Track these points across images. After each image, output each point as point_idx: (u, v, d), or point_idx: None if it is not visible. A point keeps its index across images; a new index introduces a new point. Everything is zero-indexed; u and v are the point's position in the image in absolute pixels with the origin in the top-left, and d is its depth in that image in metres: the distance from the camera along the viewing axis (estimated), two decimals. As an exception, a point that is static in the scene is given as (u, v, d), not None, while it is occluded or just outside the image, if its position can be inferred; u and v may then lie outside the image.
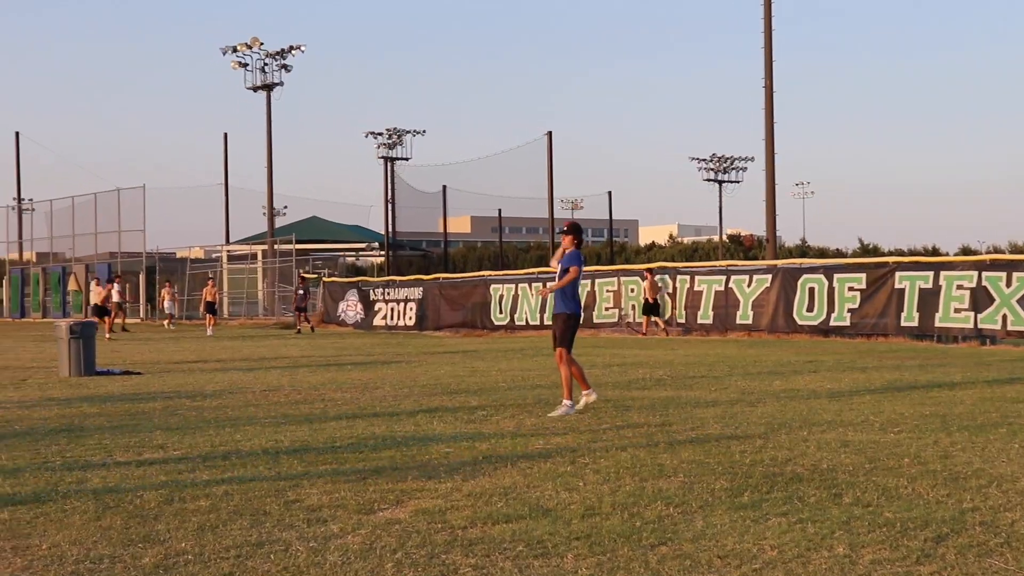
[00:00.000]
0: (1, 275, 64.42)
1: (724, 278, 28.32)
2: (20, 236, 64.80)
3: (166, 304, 42.50)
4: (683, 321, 29.05)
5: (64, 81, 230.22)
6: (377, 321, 38.51)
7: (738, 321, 27.61)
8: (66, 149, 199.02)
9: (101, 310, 35.53)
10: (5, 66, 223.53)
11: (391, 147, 69.96)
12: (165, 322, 42.55)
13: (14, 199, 66.92)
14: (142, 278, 52.52)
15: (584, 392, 11.75)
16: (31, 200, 66.62)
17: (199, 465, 8.49)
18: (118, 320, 36.61)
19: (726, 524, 6.14)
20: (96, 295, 36.96)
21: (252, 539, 5.98)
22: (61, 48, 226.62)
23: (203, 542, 5.92)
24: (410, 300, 37.51)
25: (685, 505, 6.66)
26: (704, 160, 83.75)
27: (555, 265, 12.09)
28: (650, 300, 29.20)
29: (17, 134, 66.31)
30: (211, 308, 37.02)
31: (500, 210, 49.06)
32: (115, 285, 37.37)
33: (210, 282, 38.89)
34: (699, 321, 28.59)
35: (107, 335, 31.75)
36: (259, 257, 53.76)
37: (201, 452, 9.17)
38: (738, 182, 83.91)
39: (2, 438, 10.28)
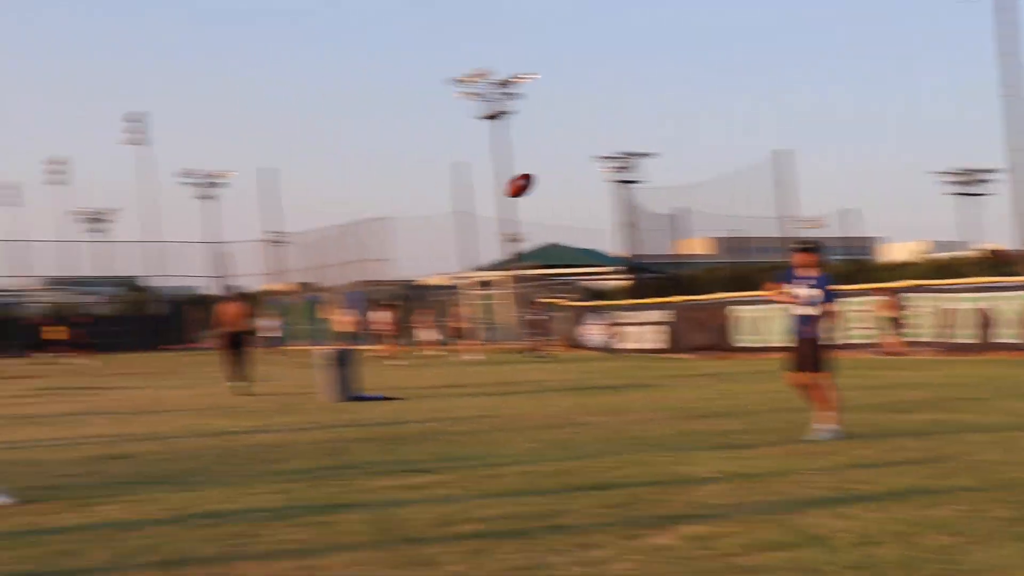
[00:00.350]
0: (263, 304, 67.91)
1: (980, 295, 27.05)
2: (278, 267, 68.13)
3: (422, 331, 43.36)
4: (933, 340, 27.88)
5: (313, 118, 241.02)
6: (621, 344, 38.57)
7: (999, 340, 26.28)
8: (318, 182, 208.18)
9: (352, 336, 37.16)
10: (265, 108, 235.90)
11: (624, 170, 70.00)
12: (421, 349, 43.45)
13: (273, 232, 70.45)
14: (387, 303, 54.22)
15: (829, 417, 11.30)
16: (287, 233, 69.95)
17: (463, 489, 8.67)
18: (385, 347, 38.20)
19: (1011, 556, 5.84)
20: (342, 323, 39.36)
21: (523, 563, 6.06)
22: (308, 85, 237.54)
23: (476, 565, 6.05)
24: (654, 323, 37.42)
25: (965, 535, 6.37)
26: (948, 173, 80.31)
27: (791, 288, 11.46)
28: (891, 318, 28.26)
29: (276, 171, 69.95)
30: (461, 334, 37.42)
31: (739, 231, 48.41)
32: (388, 313, 39.61)
33: (468, 308, 39.50)
34: (954, 340, 27.38)
35: (385, 360, 32.53)
36: (500, 284, 54.72)
37: (464, 476, 9.37)
38: (986, 195, 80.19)
39: (275, 461, 10.80)
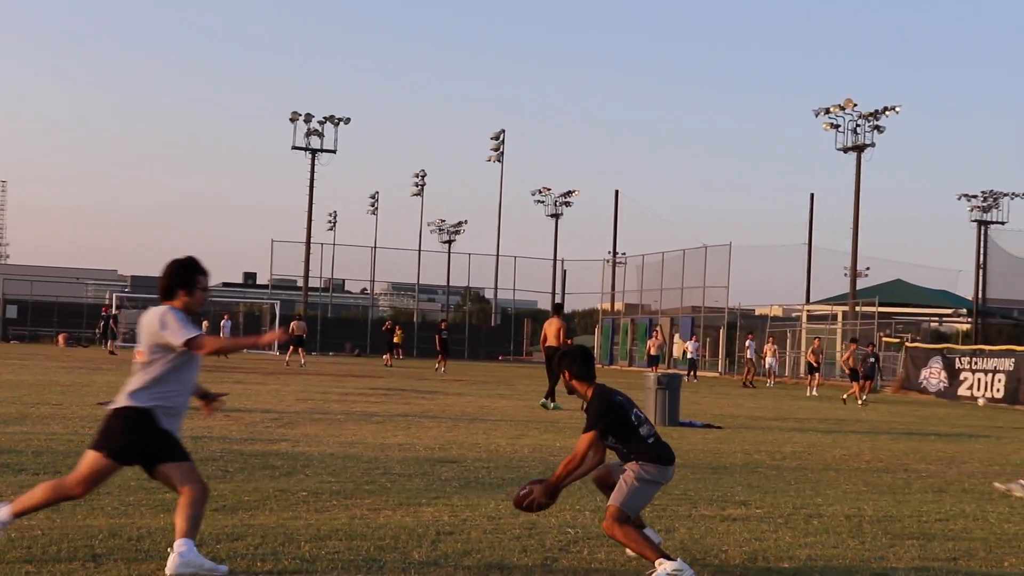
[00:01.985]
0: (594, 323, 68.92)
1: None
2: (612, 288, 68.96)
3: (767, 360, 42.59)
4: None
5: (660, 142, 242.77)
6: (962, 391, 36.51)
7: None
8: (659, 207, 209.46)
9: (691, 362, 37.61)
10: (610, 130, 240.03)
11: (986, 210, 66.34)
12: (764, 379, 42.65)
13: (609, 253, 71.44)
14: (722, 333, 53.82)
15: None
16: (624, 254, 70.70)
17: (781, 526, 8.47)
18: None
19: None
20: (653, 346, 40.78)
21: (838, 609, 5.85)
22: (650, 104, 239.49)
23: (788, 606, 5.89)
24: (999, 371, 35.18)
25: None
26: None
27: None
28: None
29: (616, 192, 70.93)
30: (812, 369, 36.07)
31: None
32: (752, 344, 40.75)
33: (816, 342, 38.38)
34: None
35: (851, 397, 31.77)
36: (839, 318, 53.09)
37: (782, 513, 9.15)
38: None
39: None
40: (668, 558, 6.30)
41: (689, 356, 44.15)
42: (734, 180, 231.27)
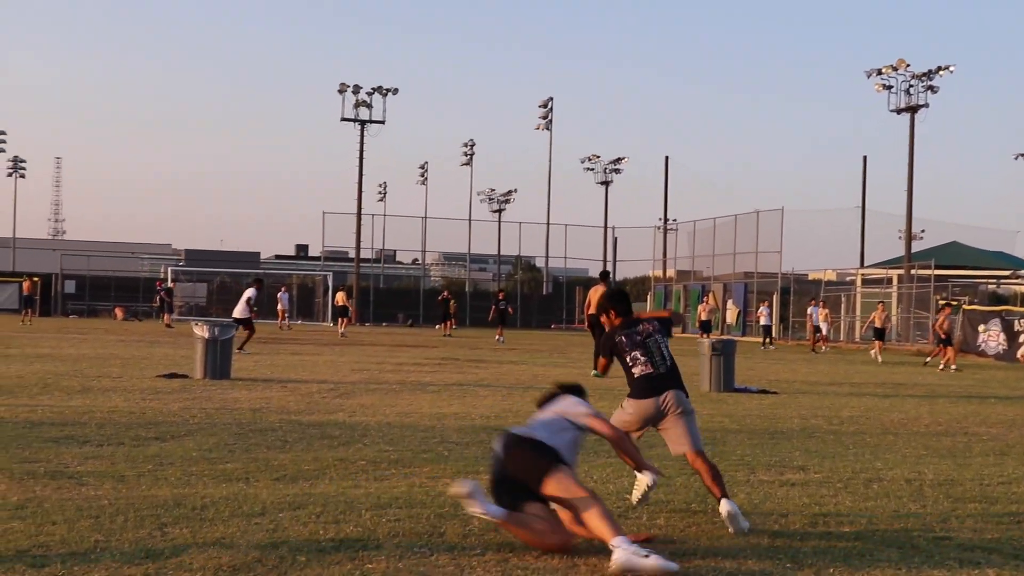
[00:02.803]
0: (646, 290, 68.75)
1: None
2: (664, 255, 68.69)
3: (821, 325, 41.88)
4: None
5: (709, 107, 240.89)
6: (1021, 353, 36.08)
7: None
8: (710, 172, 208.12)
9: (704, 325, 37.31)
10: (659, 96, 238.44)
11: (1041, 169, 65.27)
12: (818, 344, 42.07)
13: (660, 219, 71.14)
14: (776, 299, 53.45)
15: None
16: (675, 221, 70.36)
17: (840, 491, 8.42)
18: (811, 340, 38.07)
19: None
20: (704, 311, 40.50)
21: (902, 572, 5.83)
22: (709, 71, 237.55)
23: (851, 570, 5.86)
24: (1060, 333, 34.70)
25: None
26: None
27: None
28: None
29: (667, 158, 70.58)
30: (880, 334, 35.33)
31: None
32: (817, 309, 40.16)
33: (880, 306, 37.83)
34: None
35: (934, 360, 31.57)
36: (894, 282, 52.57)
37: (841, 477, 9.10)
38: None
39: (651, 447, 10.90)
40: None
41: (763, 323, 43.55)
42: (786, 144, 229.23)
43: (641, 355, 7.45)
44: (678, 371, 7.51)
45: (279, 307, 48.48)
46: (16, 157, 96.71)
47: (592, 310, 21.77)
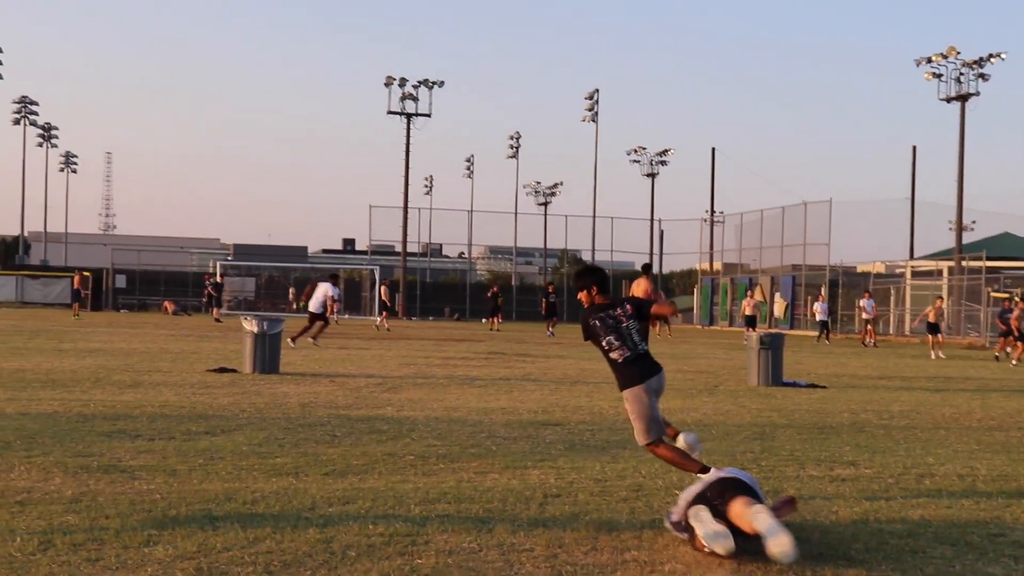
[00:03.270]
0: (693, 283, 68.46)
1: None
2: (711, 247, 68.35)
3: (862, 318, 41.43)
4: None
5: (756, 98, 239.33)
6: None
7: None
8: (756, 164, 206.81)
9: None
10: (705, 88, 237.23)
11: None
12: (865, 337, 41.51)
13: (706, 212, 70.79)
14: (824, 291, 53.01)
15: None
16: (722, 213, 70.00)
17: (891, 486, 8.34)
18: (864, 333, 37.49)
19: None
20: (779, 307, 39.12)
21: (955, 570, 5.77)
22: (754, 64, 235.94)
23: (903, 567, 5.81)
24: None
25: None
26: None
27: None
28: None
29: (713, 150, 70.17)
30: (934, 329, 34.56)
31: None
32: (870, 302, 39.63)
33: (938, 300, 36.98)
34: None
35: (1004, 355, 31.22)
36: (944, 274, 52.00)
37: (892, 473, 9.01)
38: None
39: (700, 441, 10.86)
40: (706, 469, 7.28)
41: (819, 318, 42.84)
42: (833, 134, 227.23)
43: (616, 340, 7.53)
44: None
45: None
46: (68, 152, 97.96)
47: None
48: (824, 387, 18.18)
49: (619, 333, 7.51)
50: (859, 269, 62.65)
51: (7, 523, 6.24)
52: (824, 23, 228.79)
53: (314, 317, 26.56)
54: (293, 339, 24.26)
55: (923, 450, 10.53)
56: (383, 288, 44.67)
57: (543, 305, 43.04)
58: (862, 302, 40.50)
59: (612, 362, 7.55)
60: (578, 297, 7.91)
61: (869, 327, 40.21)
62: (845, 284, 54.56)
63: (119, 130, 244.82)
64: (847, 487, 8.25)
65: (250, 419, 11.49)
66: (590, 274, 7.85)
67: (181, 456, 8.82)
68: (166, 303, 60.60)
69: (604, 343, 7.53)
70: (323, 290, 26.82)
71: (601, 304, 7.68)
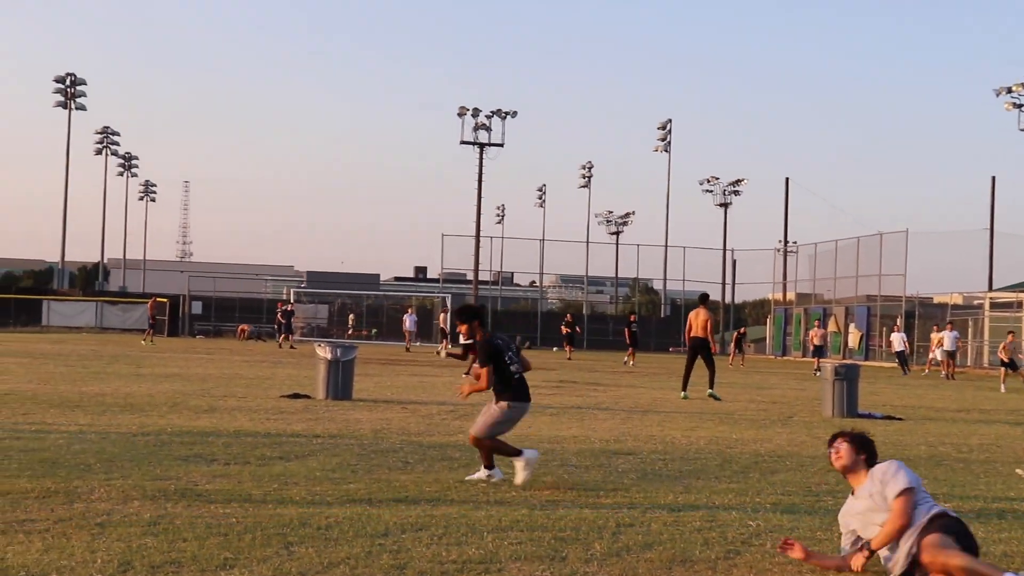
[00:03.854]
0: (766, 313, 67.86)
1: None
2: (784, 277, 67.76)
3: (938, 350, 40.34)
4: None
5: (830, 128, 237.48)
6: None
7: None
8: (831, 193, 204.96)
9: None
10: (779, 117, 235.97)
11: None
12: (939, 368, 40.59)
13: (780, 242, 70.22)
14: (899, 323, 52.30)
15: None
16: (795, 243, 69.41)
17: (972, 520, 8.15)
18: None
19: None
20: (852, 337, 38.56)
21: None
22: (822, 94, 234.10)
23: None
24: None
25: None
26: None
27: None
28: None
29: (787, 180, 69.66)
30: (1011, 366, 33.67)
31: None
32: (946, 332, 38.61)
33: (1010, 336, 35.98)
34: None
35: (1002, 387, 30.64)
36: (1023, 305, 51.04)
37: (972, 507, 8.86)
38: None
39: (773, 472, 10.75)
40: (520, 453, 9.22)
41: (897, 349, 41.55)
42: (909, 165, 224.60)
43: (514, 356, 9.39)
44: None
45: (404, 328, 49.32)
46: (147, 181, 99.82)
47: (694, 333, 21.54)
48: (900, 419, 17.90)
49: (513, 353, 9.36)
50: (936, 300, 61.69)
51: (88, 544, 6.35)
52: (901, 53, 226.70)
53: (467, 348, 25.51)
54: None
55: (1004, 485, 10.33)
56: (442, 316, 44.94)
57: (627, 335, 42.02)
58: (945, 334, 39.04)
59: (508, 375, 9.32)
60: (458, 330, 9.72)
61: (948, 360, 39.15)
62: (921, 315, 53.74)
63: (197, 159, 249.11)
64: (926, 521, 8.09)
65: (323, 445, 11.58)
66: (475, 313, 9.93)
67: (256, 481, 8.91)
68: (241, 326, 61.39)
69: (506, 358, 9.32)
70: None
71: (492, 333, 9.58)
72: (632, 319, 43.02)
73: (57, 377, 21.14)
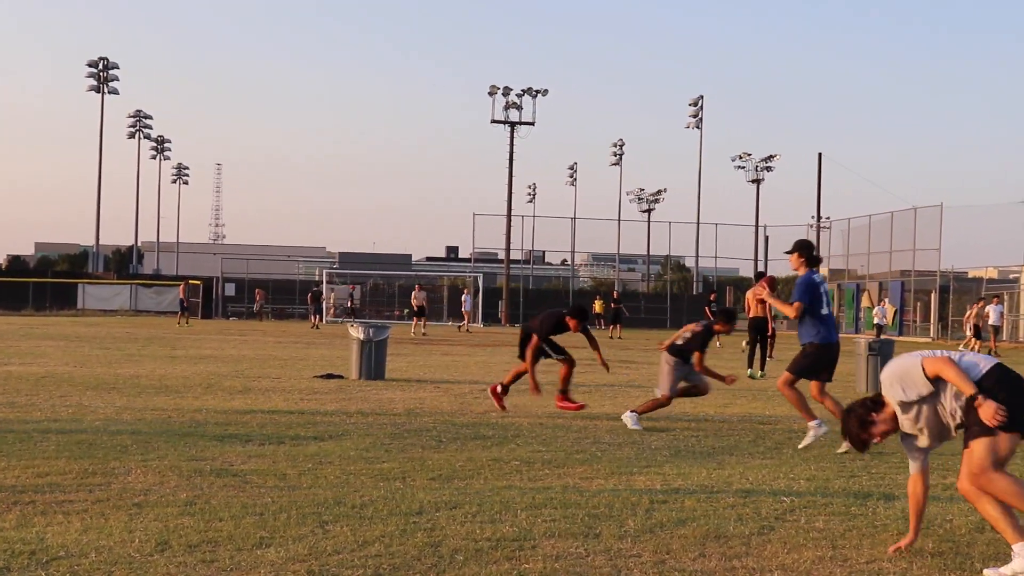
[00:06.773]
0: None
1: None
2: (818, 253, 67.30)
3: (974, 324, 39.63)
4: None
5: (863, 101, 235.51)
6: None
7: None
8: (865, 168, 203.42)
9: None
10: (812, 92, 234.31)
11: None
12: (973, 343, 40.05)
13: (813, 217, 69.78)
14: (934, 297, 51.95)
15: None
16: (828, 218, 69.02)
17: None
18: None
19: None
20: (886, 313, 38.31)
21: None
22: (860, 68, 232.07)
23: (1021, 578, 5.67)
24: None
25: None
26: None
27: None
28: None
29: (820, 155, 69.15)
30: (977, 332, 33.26)
31: None
32: (991, 306, 37.72)
33: (979, 302, 35.86)
34: None
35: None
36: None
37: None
38: None
39: (806, 447, 10.72)
40: None
41: (993, 323, 39.71)
42: (943, 138, 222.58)
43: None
44: None
45: (463, 309, 49.93)
46: (180, 164, 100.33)
47: (753, 312, 21.53)
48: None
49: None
50: (971, 274, 61.23)
51: (126, 524, 6.41)
52: (927, 24, 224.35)
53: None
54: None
55: (1041, 459, 10.25)
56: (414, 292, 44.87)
57: (707, 313, 40.01)
58: (990, 308, 38.08)
59: None
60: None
61: (993, 334, 38.40)
62: (956, 290, 53.35)
63: (229, 141, 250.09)
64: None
65: (357, 425, 11.63)
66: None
67: (291, 460, 8.96)
68: (257, 289, 61.82)
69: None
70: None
71: None
72: (712, 298, 43.29)
73: (93, 360, 21.33)
